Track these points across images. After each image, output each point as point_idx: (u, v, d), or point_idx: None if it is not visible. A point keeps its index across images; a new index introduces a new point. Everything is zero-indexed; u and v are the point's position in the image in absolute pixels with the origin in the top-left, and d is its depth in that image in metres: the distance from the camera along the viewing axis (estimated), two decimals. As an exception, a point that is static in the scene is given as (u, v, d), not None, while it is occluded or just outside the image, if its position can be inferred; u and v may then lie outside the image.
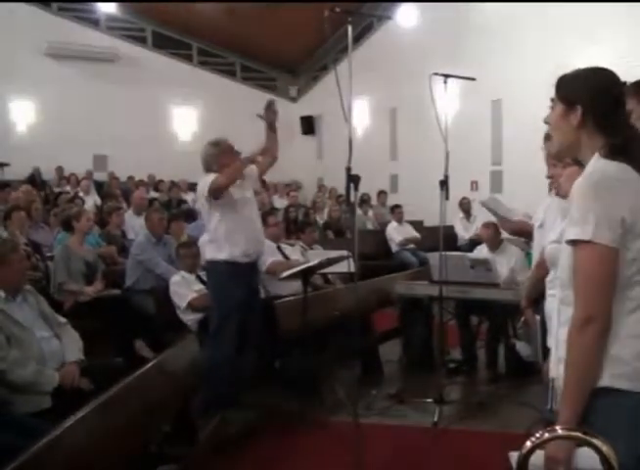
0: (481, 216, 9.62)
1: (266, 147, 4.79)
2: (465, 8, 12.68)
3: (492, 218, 5.05)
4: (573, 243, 1.68)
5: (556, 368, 1.81)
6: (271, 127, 4.79)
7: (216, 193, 4.38)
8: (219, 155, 4.51)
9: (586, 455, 1.57)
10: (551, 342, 1.89)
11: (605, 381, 1.65)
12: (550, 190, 3.33)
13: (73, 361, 3.65)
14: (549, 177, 3.47)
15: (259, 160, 4.82)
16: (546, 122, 1.89)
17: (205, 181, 4.42)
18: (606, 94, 1.79)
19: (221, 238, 4.48)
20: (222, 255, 4.48)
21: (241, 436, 4.23)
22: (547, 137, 2.88)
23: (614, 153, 1.72)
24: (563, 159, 1.95)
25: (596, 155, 1.75)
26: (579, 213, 1.66)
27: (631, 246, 1.66)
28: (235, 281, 4.47)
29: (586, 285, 1.65)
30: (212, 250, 4.56)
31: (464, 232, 10.67)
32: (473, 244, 8.24)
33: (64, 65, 15.02)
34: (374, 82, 13.49)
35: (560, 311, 1.82)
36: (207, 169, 4.53)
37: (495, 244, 6.01)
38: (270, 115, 4.76)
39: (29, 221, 6.96)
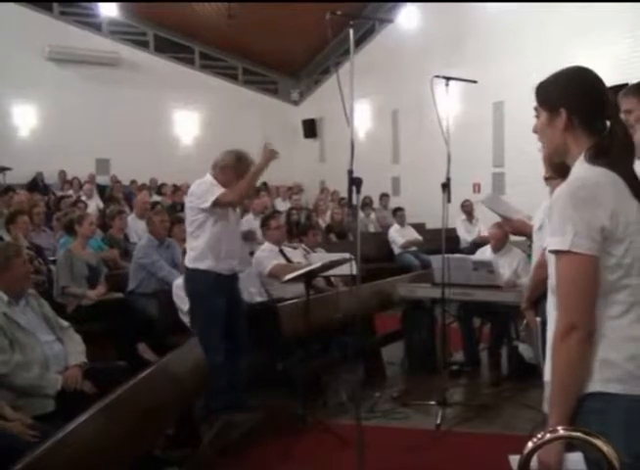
0: (484, 219, 9.64)
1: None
2: (466, 11, 12.71)
3: (495, 220, 5.05)
4: (554, 252, 1.70)
5: (550, 372, 1.82)
6: None
7: (223, 206, 4.38)
8: (231, 169, 4.46)
9: (574, 460, 1.59)
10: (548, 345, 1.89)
11: (596, 386, 1.65)
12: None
13: (76, 365, 3.66)
14: (546, 178, 3.50)
15: None
16: (535, 132, 1.90)
17: (207, 190, 4.36)
18: (588, 92, 1.78)
19: (205, 248, 4.42)
20: (203, 264, 4.43)
21: (244, 438, 4.24)
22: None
23: (598, 156, 1.72)
24: (553, 164, 1.95)
25: (580, 159, 1.75)
26: (559, 223, 1.67)
27: (614, 251, 1.66)
28: (214, 290, 4.43)
29: (568, 293, 1.67)
30: (193, 258, 4.49)
31: (466, 234, 10.67)
32: (475, 246, 8.25)
33: (66, 69, 15.07)
34: (376, 85, 13.52)
35: (555, 316, 1.82)
36: (212, 169, 4.53)
37: (501, 245, 6.02)
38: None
39: (31, 225, 6.98)
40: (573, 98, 1.77)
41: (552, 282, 1.79)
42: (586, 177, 1.70)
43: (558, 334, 1.67)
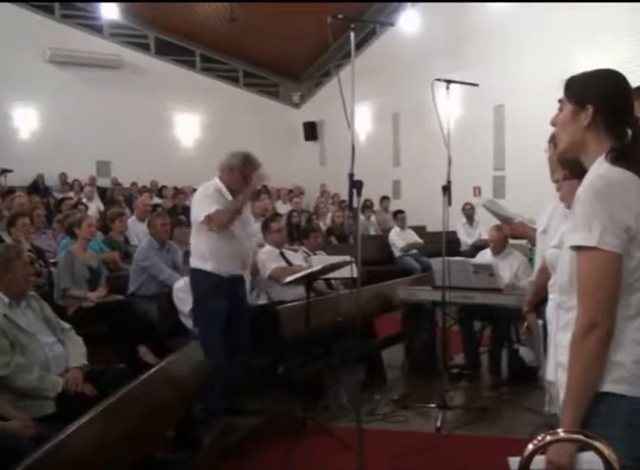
0: (484, 222, 9.63)
1: None
2: (467, 14, 12.72)
3: (495, 223, 5.04)
4: (577, 249, 1.67)
5: (554, 372, 1.81)
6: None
7: (212, 225, 4.41)
8: (238, 171, 4.48)
9: (589, 460, 1.56)
10: (549, 346, 1.89)
11: (606, 386, 1.65)
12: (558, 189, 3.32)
13: (77, 367, 3.66)
14: (555, 181, 3.46)
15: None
16: (553, 124, 1.88)
17: (203, 201, 4.42)
18: (618, 95, 1.79)
19: (206, 251, 4.48)
20: (205, 266, 4.49)
21: (244, 441, 4.23)
22: (551, 140, 2.87)
23: (620, 157, 1.72)
24: (565, 160, 1.94)
25: (600, 159, 1.75)
26: (584, 219, 1.65)
27: (634, 253, 1.66)
28: (214, 292, 4.47)
29: (590, 291, 1.65)
30: (196, 259, 4.56)
31: (466, 237, 10.66)
32: (475, 249, 8.24)
33: (67, 71, 15.09)
34: (376, 88, 13.53)
35: (558, 316, 1.82)
36: (219, 170, 4.55)
37: (501, 247, 6.02)
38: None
39: (32, 227, 6.98)
40: (603, 98, 1.77)
41: (562, 279, 1.78)
42: (611, 175, 1.69)
43: (578, 332, 1.65)
